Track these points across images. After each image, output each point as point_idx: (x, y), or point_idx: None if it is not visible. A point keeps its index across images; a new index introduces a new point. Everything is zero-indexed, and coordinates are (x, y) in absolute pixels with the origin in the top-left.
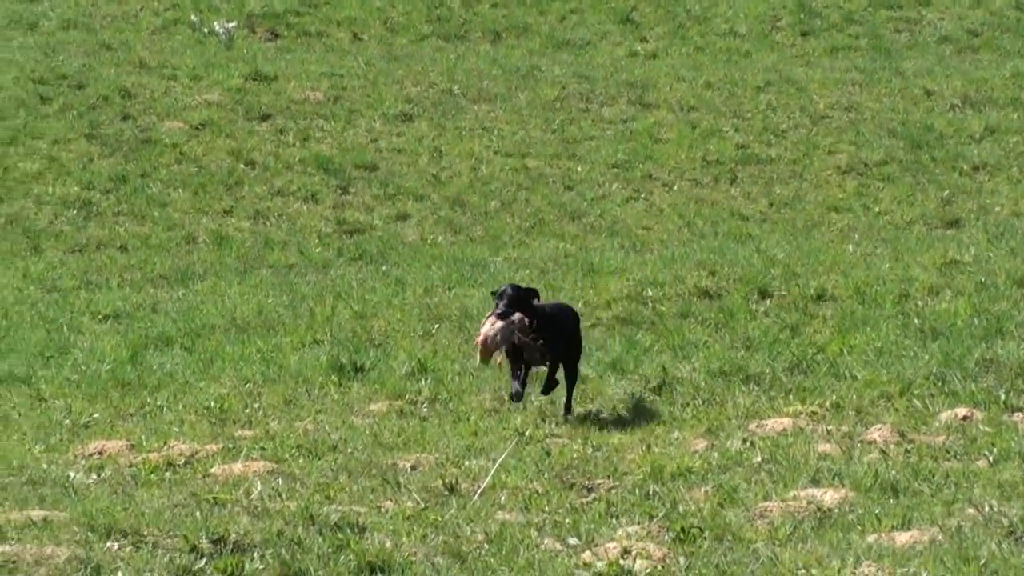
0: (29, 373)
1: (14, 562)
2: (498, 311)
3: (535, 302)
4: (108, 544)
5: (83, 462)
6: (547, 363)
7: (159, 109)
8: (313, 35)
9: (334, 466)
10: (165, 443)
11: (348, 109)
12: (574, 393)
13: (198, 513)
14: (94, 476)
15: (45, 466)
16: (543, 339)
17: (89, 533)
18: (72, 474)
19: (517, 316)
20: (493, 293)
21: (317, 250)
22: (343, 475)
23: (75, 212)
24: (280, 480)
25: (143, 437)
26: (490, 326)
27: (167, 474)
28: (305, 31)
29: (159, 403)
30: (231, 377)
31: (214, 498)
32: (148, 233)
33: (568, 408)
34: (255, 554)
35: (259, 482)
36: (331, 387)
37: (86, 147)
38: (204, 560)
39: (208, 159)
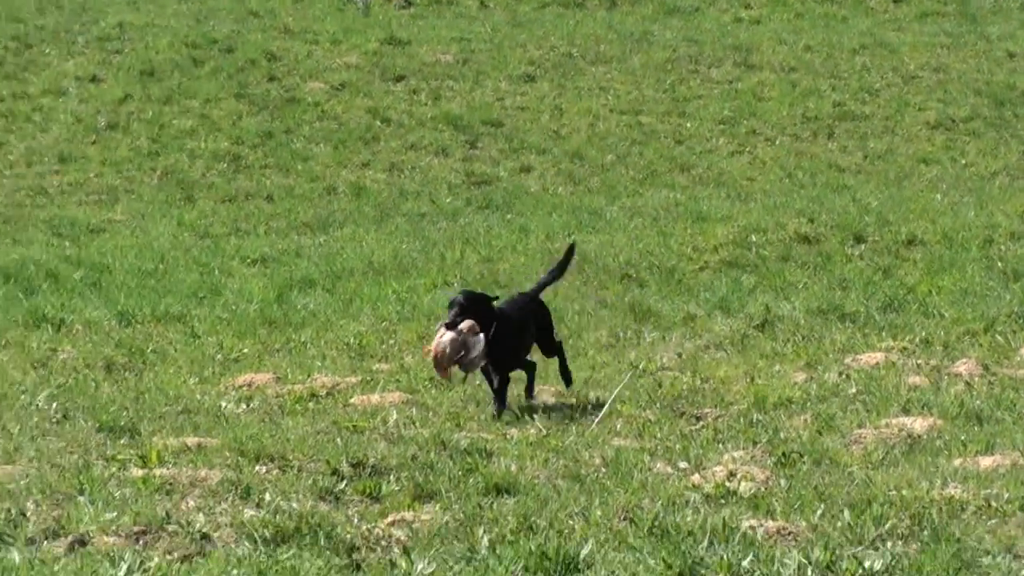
0: (184, 312)
1: (172, 483)
2: (447, 321)
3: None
4: (257, 468)
5: (233, 393)
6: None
7: (302, 71)
8: (443, 2)
9: (463, 396)
10: (308, 376)
11: (475, 71)
12: (567, 365)
13: (339, 440)
14: (244, 406)
15: (199, 397)
16: (499, 348)
17: (239, 457)
18: (224, 404)
19: (466, 325)
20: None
21: (447, 200)
22: (471, 405)
23: (225, 165)
24: (414, 409)
25: (288, 370)
26: (439, 339)
27: (310, 404)
28: None
29: (303, 339)
30: (369, 316)
31: (353, 426)
32: (292, 184)
33: (567, 379)
34: (391, 477)
35: (395, 411)
36: None
37: (235, 106)
38: (344, 482)
39: (347, 116)
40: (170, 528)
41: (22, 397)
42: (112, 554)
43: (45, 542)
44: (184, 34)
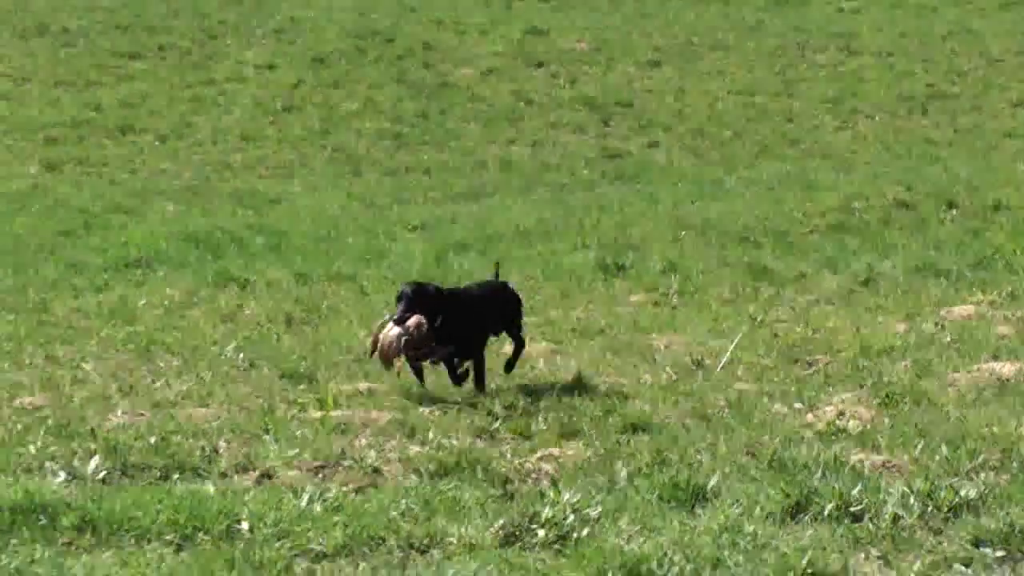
0: (354, 272)
1: (346, 424)
2: (395, 316)
3: (466, 286)
4: (420, 409)
5: None
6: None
7: (454, 58)
8: None
9: (602, 346)
10: None
11: (607, 57)
12: (517, 360)
13: (493, 385)
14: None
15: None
16: (451, 339)
17: (405, 400)
18: None
19: (414, 320)
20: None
21: (584, 172)
22: (609, 353)
23: (387, 142)
24: (559, 358)
25: None
26: (386, 332)
27: None
28: None
29: None
30: (517, 275)
31: (503, 375)
32: (447, 159)
33: (509, 367)
34: (539, 417)
35: (542, 360)
36: (598, 282)
37: (395, 90)
38: (498, 422)
39: (494, 99)
40: (345, 463)
41: (213, 348)
42: (295, 486)
43: (236, 475)
44: (349, 26)
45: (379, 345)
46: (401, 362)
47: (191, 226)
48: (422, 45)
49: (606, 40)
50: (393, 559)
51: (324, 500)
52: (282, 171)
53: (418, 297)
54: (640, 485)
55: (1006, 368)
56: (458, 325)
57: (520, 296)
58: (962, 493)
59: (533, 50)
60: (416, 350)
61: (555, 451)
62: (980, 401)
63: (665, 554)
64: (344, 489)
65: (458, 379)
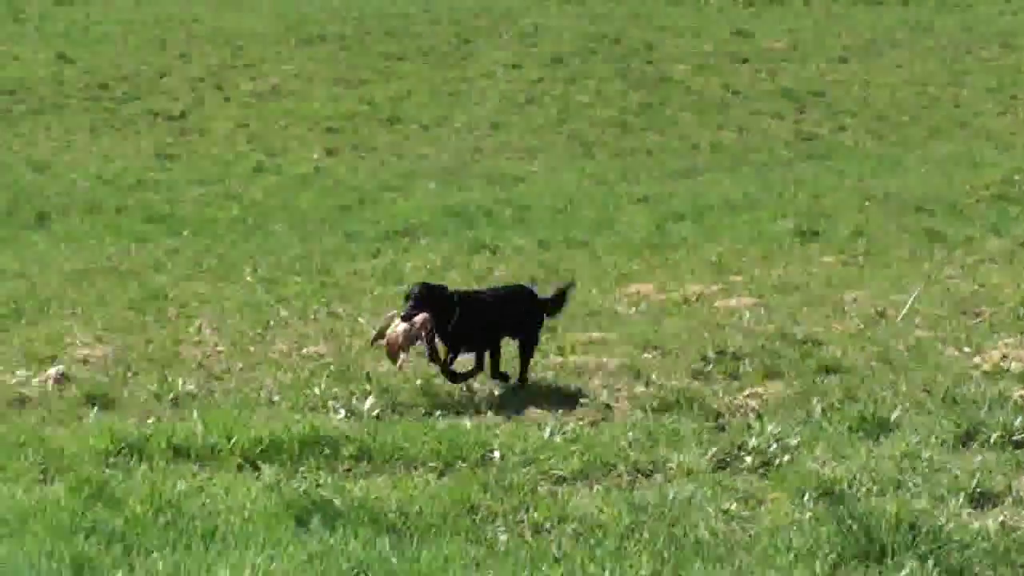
0: (587, 240)
1: (581, 368)
2: (403, 313)
3: (482, 290)
4: (644, 355)
5: (625, 299)
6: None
7: (672, 57)
8: (775, 2)
9: (799, 300)
10: (681, 286)
11: (802, 54)
12: (528, 366)
13: (706, 333)
14: (633, 309)
15: (600, 302)
16: (462, 336)
17: (631, 347)
18: (618, 308)
19: (420, 318)
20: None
21: (782, 152)
22: (805, 306)
23: (615, 129)
24: (762, 310)
25: (666, 282)
26: (394, 328)
27: (683, 307)
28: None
29: (676, 258)
30: (726, 240)
31: (717, 323)
32: (665, 142)
33: (521, 379)
34: (746, 361)
35: (747, 311)
36: (795, 246)
37: (622, 84)
38: (710, 365)
39: (706, 90)
40: (581, 401)
41: None
42: (539, 420)
43: (488, 412)
44: (583, 31)
45: (386, 339)
46: (404, 356)
47: (449, 201)
48: (644, 46)
49: (801, 40)
50: (622, 482)
51: (564, 432)
52: (525, 154)
53: (426, 297)
54: (832, 418)
55: None
56: (470, 325)
57: (544, 300)
58: None
59: (738, 49)
60: (413, 345)
61: (760, 389)
62: None
63: (854, 477)
64: (580, 423)
65: (454, 378)
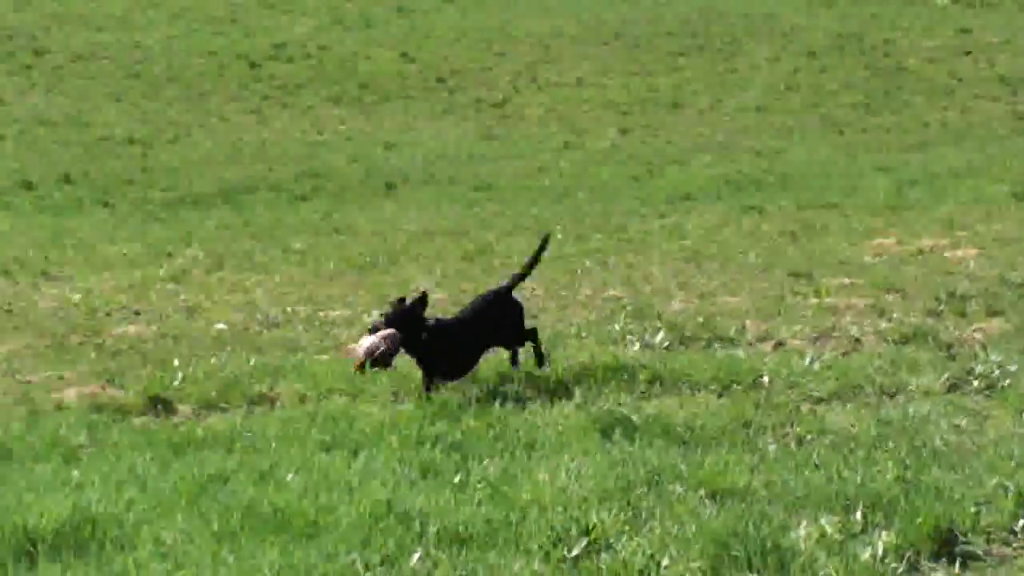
0: (837, 201)
1: (834, 307)
2: (370, 327)
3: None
4: (887, 296)
5: (870, 251)
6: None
7: (906, 51)
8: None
9: (1015, 251)
10: (917, 239)
11: (1015, 46)
12: (542, 349)
13: (938, 278)
14: (876, 259)
15: (847, 254)
16: (429, 353)
17: (876, 290)
18: (865, 258)
19: (388, 332)
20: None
21: (999, 129)
22: (1021, 256)
23: (860, 111)
24: (984, 259)
25: (903, 236)
26: (364, 339)
27: (918, 257)
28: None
29: (912, 217)
30: (952, 201)
31: (947, 271)
32: (900, 121)
33: (541, 363)
34: (971, 301)
35: (972, 260)
36: (1011, 206)
37: (864, 74)
38: (942, 305)
39: (935, 78)
40: (835, 335)
41: (740, 256)
42: (800, 350)
43: (758, 344)
44: (831, 30)
45: (359, 351)
46: (365, 363)
47: (722, 171)
48: (884, 42)
49: (1014, 35)
50: (871, 401)
51: (821, 360)
52: (785, 132)
53: (400, 315)
54: None
55: None
56: (439, 347)
57: (514, 298)
58: None
59: (962, 43)
60: (376, 358)
61: (984, 325)
62: None
63: None
64: (834, 353)
65: (429, 388)
